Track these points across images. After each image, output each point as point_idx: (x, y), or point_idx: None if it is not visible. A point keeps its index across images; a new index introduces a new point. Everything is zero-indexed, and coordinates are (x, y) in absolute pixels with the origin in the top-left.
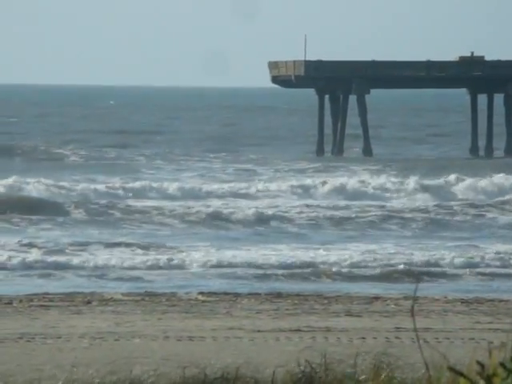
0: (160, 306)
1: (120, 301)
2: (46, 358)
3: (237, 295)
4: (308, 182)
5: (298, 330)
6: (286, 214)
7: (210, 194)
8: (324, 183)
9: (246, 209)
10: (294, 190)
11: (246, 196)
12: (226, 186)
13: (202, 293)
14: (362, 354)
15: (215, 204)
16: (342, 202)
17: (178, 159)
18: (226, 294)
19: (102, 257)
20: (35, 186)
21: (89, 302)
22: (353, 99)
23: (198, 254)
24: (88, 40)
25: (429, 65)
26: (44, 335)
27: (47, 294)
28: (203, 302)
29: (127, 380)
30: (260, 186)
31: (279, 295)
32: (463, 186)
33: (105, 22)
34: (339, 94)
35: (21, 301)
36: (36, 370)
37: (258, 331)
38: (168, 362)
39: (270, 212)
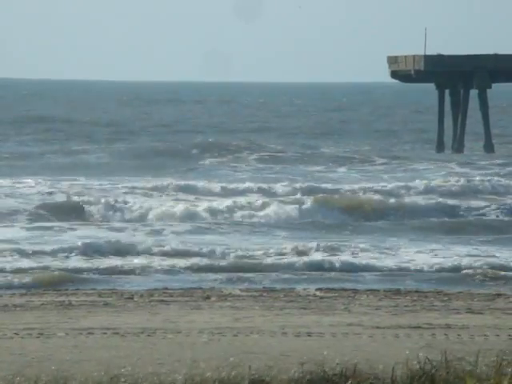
0: (278, 302)
1: (238, 296)
2: (166, 353)
3: (355, 291)
4: None
5: (418, 327)
6: None
7: None
8: None
9: None
10: None
11: None
12: None
13: (319, 289)
14: (483, 352)
15: None
16: None
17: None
18: (345, 290)
19: None
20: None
21: (207, 298)
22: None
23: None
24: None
25: None
26: (164, 330)
27: (167, 289)
28: (321, 297)
29: (246, 375)
30: None
31: (398, 292)
32: None
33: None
34: (460, 88)
35: (141, 296)
36: (157, 364)
37: (377, 327)
38: (286, 358)
39: None
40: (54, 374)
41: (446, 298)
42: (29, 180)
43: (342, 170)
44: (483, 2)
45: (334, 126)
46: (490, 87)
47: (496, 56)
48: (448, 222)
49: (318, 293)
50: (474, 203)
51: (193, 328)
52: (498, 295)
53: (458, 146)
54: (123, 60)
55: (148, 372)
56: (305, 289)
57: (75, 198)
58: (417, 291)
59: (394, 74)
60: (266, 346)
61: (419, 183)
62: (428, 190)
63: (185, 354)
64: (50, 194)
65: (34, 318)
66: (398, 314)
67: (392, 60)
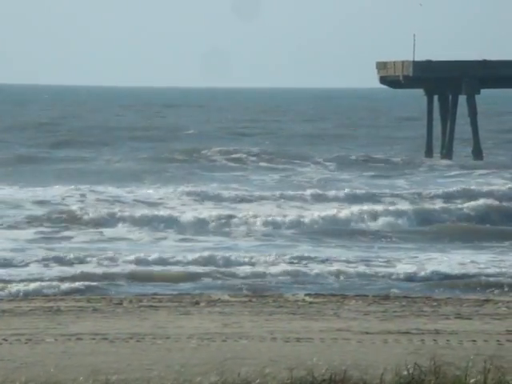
0: (267, 307)
1: (227, 302)
2: (155, 358)
3: (344, 297)
4: None
5: (407, 333)
6: None
7: None
8: None
9: None
10: None
11: None
12: None
13: (309, 294)
14: (472, 357)
15: None
16: None
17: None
18: (333, 295)
19: None
20: None
21: (197, 303)
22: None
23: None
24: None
25: None
26: (153, 335)
27: (156, 294)
28: (310, 303)
29: (235, 381)
30: None
31: (387, 297)
32: None
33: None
34: (448, 94)
35: (131, 301)
36: (146, 370)
37: (366, 333)
38: (275, 364)
39: None
40: (42, 380)
41: (434, 304)
42: (52, 187)
43: (364, 175)
44: (472, 8)
45: (332, 131)
46: (479, 93)
47: (485, 62)
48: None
49: (306, 298)
50: None
51: (182, 333)
52: (487, 301)
53: (447, 152)
54: (121, 65)
55: (137, 377)
56: (294, 294)
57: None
58: (405, 296)
59: (383, 80)
60: (254, 352)
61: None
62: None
63: (174, 359)
64: (82, 199)
65: (22, 324)
66: (386, 320)
67: (381, 66)
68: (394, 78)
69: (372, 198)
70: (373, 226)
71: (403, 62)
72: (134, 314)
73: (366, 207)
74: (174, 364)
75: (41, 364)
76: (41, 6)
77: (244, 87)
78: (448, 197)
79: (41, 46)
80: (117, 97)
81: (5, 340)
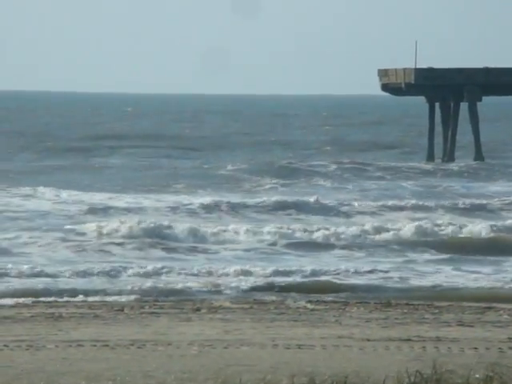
0: (268, 314)
1: (228, 308)
2: (156, 365)
3: (346, 303)
4: None
5: (408, 340)
6: None
7: None
8: None
9: None
10: None
11: None
12: None
13: (310, 301)
14: (474, 365)
15: None
16: None
17: None
18: (335, 302)
19: None
20: None
21: (198, 310)
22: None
23: None
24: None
25: None
26: (154, 342)
27: (157, 301)
28: (312, 310)
29: None
30: None
31: (389, 304)
32: None
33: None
34: (450, 101)
35: (132, 307)
36: (147, 377)
37: (368, 340)
38: (277, 370)
39: None
40: None
41: (436, 311)
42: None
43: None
44: (474, 15)
45: (344, 139)
46: (481, 100)
47: (486, 69)
48: None
49: (308, 305)
50: None
51: (183, 340)
52: (489, 308)
53: (449, 159)
54: (121, 71)
55: None
56: (295, 301)
57: None
58: (407, 304)
59: (385, 87)
60: (256, 359)
61: None
62: None
63: (175, 366)
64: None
65: (23, 330)
66: (388, 327)
67: (382, 73)
68: (395, 85)
69: None
70: None
71: (405, 70)
72: (135, 320)
73: None
74: (175, 371)
75: (42, 370)
76: (41, 10)
77: (240, 94)
78: None
79: (38, 52)
80: (128, 104)
81: (6, 346)
